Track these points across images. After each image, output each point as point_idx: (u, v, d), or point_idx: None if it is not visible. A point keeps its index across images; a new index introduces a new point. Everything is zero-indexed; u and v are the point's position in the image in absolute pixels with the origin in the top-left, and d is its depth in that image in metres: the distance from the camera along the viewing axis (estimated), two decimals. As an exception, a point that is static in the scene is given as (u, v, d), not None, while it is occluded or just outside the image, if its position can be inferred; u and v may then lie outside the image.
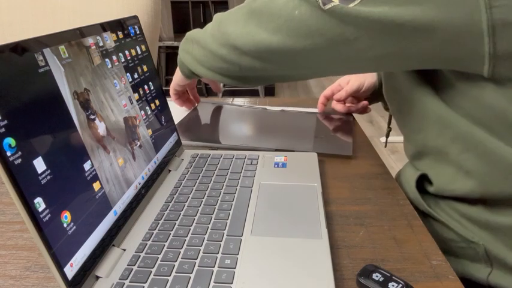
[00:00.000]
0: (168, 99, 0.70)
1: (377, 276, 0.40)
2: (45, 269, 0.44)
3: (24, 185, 0.33)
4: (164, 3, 3.49)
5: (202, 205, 0.52)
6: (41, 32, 0.39)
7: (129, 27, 0.58)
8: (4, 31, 1.09)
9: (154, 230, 0.47)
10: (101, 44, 0.50)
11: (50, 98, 0.38)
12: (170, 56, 3.80)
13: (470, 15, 0.42)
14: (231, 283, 0.39)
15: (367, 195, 0.57)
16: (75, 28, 0.45)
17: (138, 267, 0.41)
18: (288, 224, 0.48)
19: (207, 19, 3.83)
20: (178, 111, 0.89)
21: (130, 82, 0.55)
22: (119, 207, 0.46)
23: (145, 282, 0.39)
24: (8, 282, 0.43)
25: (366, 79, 0.84)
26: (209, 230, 0.47)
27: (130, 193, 0.49)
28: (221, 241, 0.45)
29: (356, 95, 0.87)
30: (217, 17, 0.63)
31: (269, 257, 0.42)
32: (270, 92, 3.91)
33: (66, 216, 0.37)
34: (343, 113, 0.88)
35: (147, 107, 0.59)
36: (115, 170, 0.46)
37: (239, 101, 1.00)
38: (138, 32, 0.60)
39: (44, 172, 0.35)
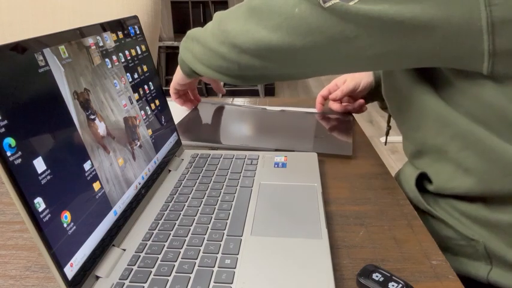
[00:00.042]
0: (168, 99, 0.70)
1: (377, 276, 0.40)
2: (45, 269, 0.44)
3: (24, 185, 0.33)
4: (164, 3, 3.49)
5: (202, 205, 0.52)
6: (41, 32, 0.39)
7: (129, 27, 0.58)
8: (4, 31, 1.09)
9: (154, 230, 0.47)
10: (101, 44, 0.50)
11: (50, 98, 0.38)
12: (170, 56, 3.79)
13: (470, 13, 0.42)
14: (231, 283, 0.39)
15: (367, 195, 0.57)
16: (75, 28, 0.45)
17: (138, 267, 0.41)
18: (288, 224, 0.48)
19: (207, 19, 3.83)
20: (178, 111, 0.88)
21: (130, 82, 0.55)
22: (118, 207, 0.46)
23: (145, 282, 0.39)
24: (8, 282, 0.43)
25: (362, 79, 0.85)
26: (209, 230, 0.47)
27: (130, 193, 0.49)
28: (221, 241, 0.45)
29: (352, 95, 0.87)
30: (218, 15, 0.63)
31: (269, 257, 0.42)
32: (270, 92, 3.91)
33: (66, 216, 0.37)
34: (343, 113, 0.88)
35: (147, 107, 0.59)
36: (115, 170, 0.46)
37: (239, 101, 1.00)
38: (138, 32, 0.60)
39: (44, 172, 0.35)
